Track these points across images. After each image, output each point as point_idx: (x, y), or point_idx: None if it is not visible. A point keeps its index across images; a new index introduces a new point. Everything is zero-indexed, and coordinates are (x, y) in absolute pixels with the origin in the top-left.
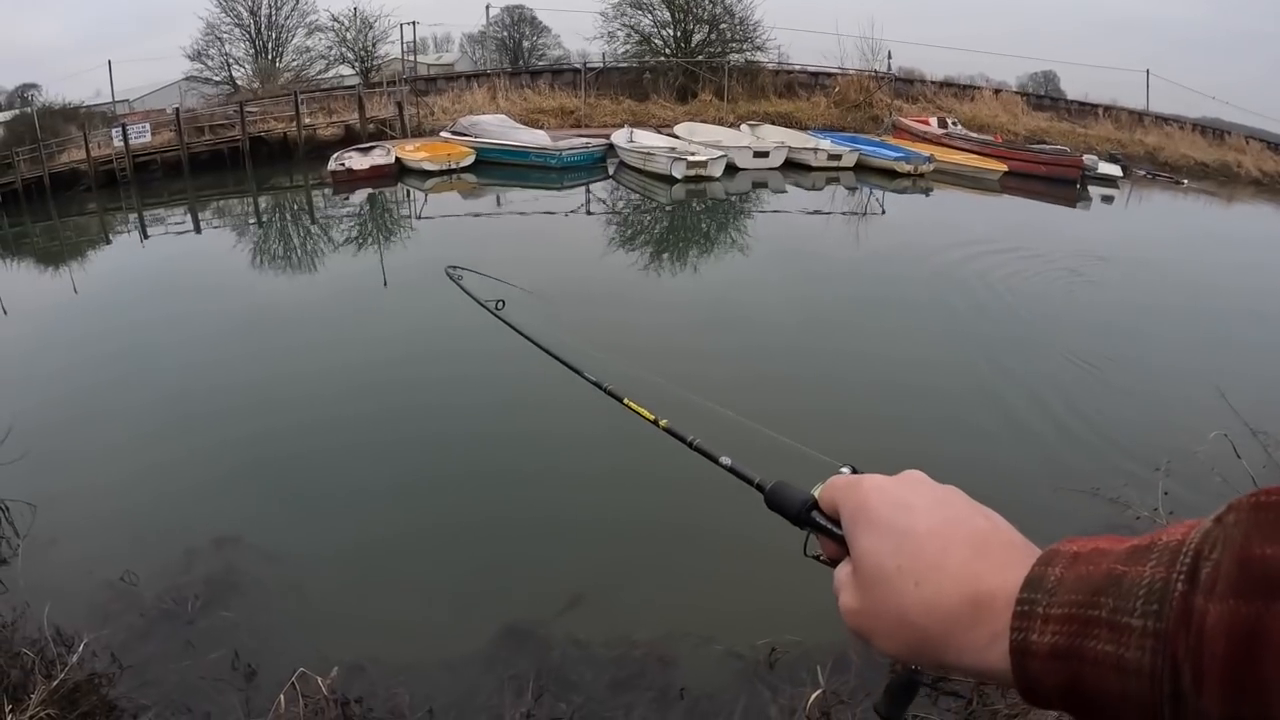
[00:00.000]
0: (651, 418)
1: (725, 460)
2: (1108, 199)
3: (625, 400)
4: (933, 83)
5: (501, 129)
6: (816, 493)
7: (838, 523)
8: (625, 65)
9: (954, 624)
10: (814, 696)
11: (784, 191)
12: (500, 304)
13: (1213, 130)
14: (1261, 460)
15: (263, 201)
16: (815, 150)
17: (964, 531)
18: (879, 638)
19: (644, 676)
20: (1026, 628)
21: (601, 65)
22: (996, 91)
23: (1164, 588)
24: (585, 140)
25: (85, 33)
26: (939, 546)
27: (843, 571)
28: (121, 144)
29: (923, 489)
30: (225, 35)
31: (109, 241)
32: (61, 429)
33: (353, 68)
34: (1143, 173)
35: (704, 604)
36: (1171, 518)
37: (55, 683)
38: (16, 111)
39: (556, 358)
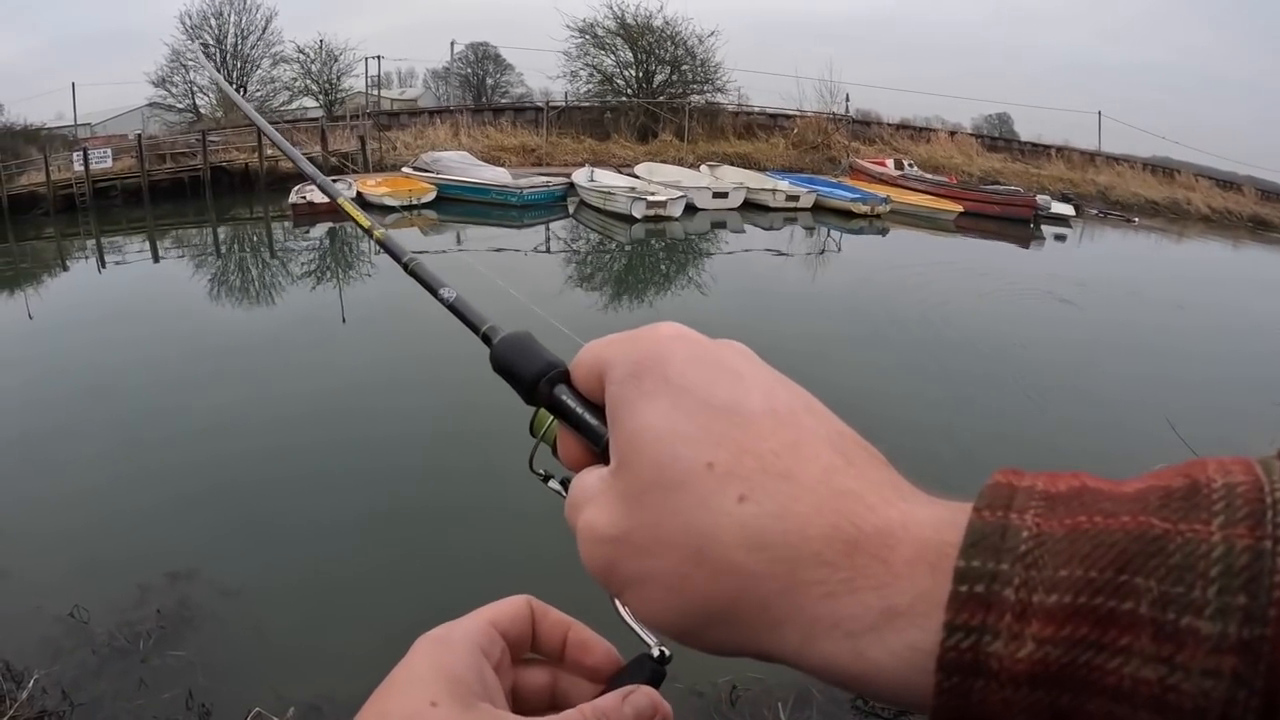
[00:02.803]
0: (367, 224)
1: (446, 293)
2: (1060, 238)
3: (339, 200)
4: (889, 124)
5: (463, 166)
6: (573, 361)
7: (597, 406)
8: (587, 104)
9: (807, 578)
10: None
11: (743, 231)
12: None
13: (1163, 169)
14: None
15: (222, 232)
16: (773, 191)
17: (822, 427)
18: (651, 587)
19: None
20: (983, 624)
21: (564, 104)
22: (952, 133)
23: (1254, 561)
24: (546, 179)
25: (48, 54)
26: (787, 440)
27: (591, 477)
28: (82, 169)
29: (752, 357)
30: (190, 63)
31: (66, 268)
32: (10, 457)
33: (317, 100)
34: (1095, 211)
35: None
36: None
37: (4, 719)
38: None
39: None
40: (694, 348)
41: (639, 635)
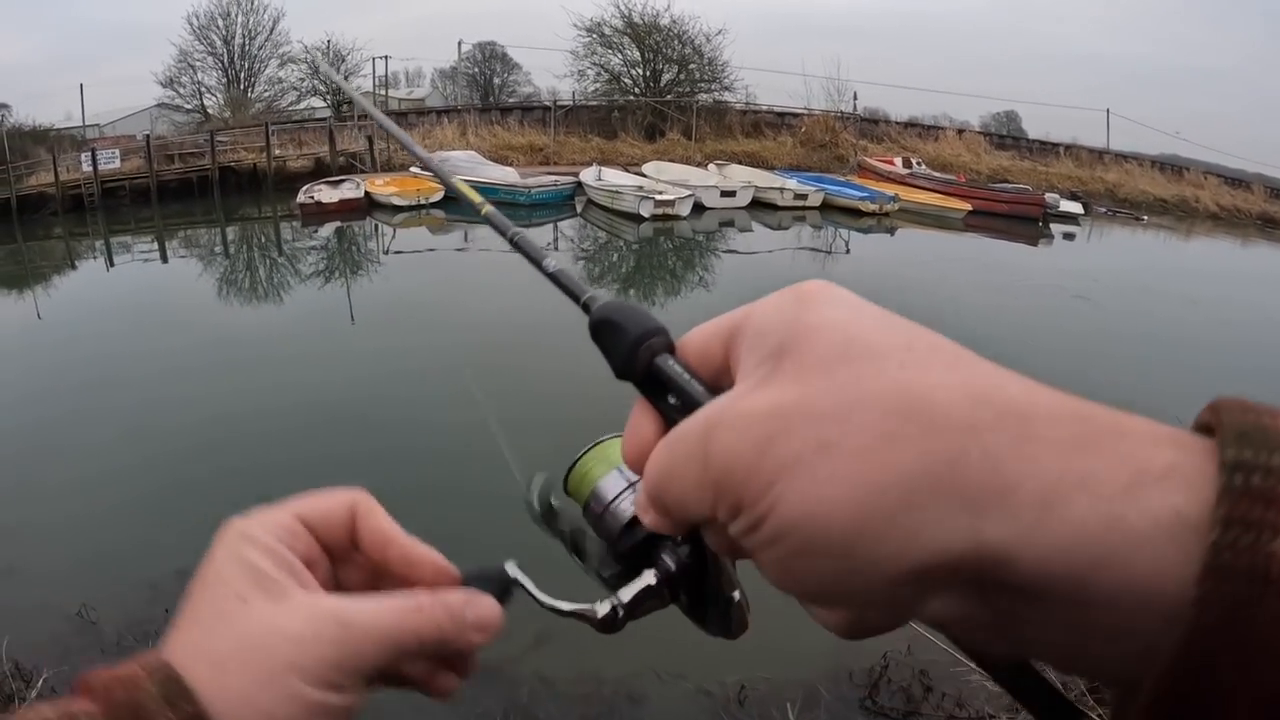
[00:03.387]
0: (477, 201)
1: (549, 263)
2: (1069, 236)
3: (454, 179)
4: (897, 123)
5: (471, 165)
6: (680, 339)
7: (707, 383)
8: (594, 104)
9: (1040, 433)
10: None
11: (750, 230)
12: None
13: (1171, 166)
14: None
15: (231, 232)
16: (781, 190)
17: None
18: (833, 457)
19: (613, 714)
20: (1262, 520)
21: (571, 103)
22: (960, 131)
23: None
24: (554, 178)
25: (57, 54)
26: (960, 349)
27: (719, 398)
28: (90, 169)
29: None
30: (198, 63)
31: (74, 267)
32: (19, 456)
33: (324, 100)
34: (1103, 210)
35: (674, 640)
36: None
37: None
38: None
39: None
40: (845, 290)
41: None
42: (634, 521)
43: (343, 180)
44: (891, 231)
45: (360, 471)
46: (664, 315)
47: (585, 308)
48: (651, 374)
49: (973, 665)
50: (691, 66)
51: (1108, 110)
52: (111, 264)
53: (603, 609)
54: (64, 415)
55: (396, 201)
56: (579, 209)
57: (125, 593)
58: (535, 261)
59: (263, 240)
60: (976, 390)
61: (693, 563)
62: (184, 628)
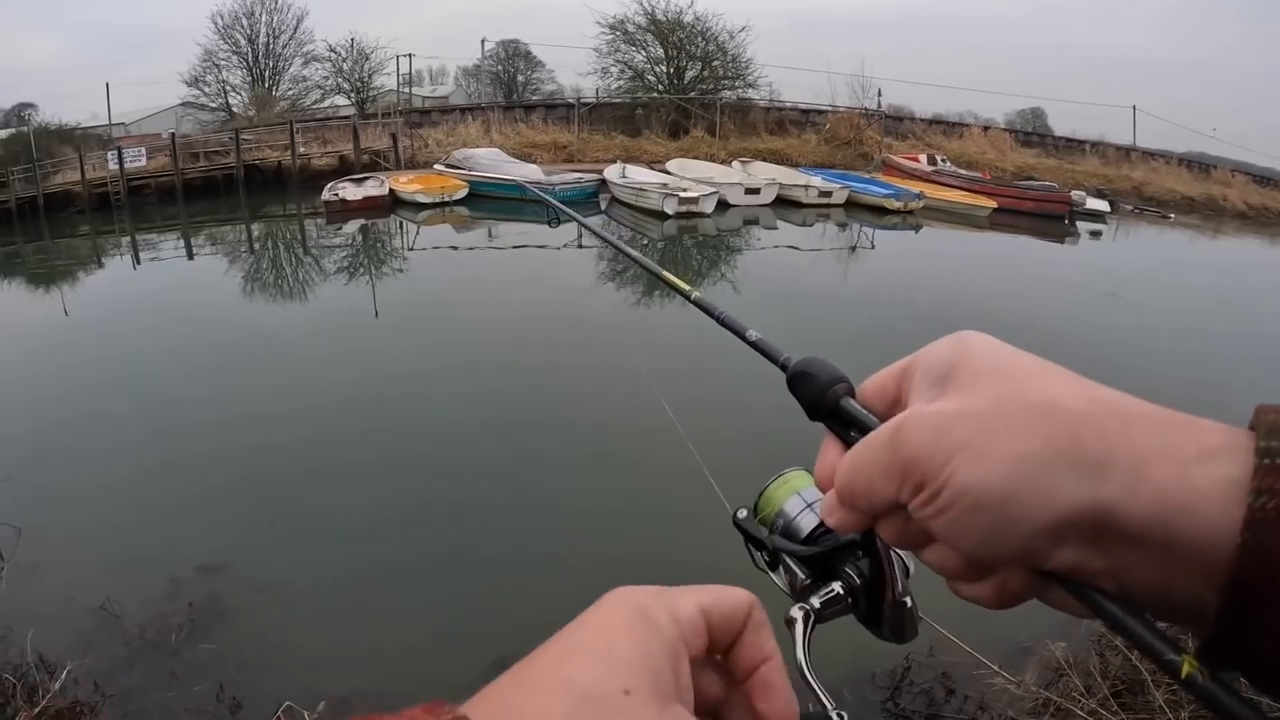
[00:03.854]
0: (686, 289)
1: (752, 334)
2: (1095, 234)
3: (663, 273)
4: (922, 120)
5: (494, 163)
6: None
7: (883, 417)
8: (618, 101)
9: (1135, 419)
10: None
11: (775, 228)
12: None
13: (1199, 164)
14: None
15: (256, 230)
16: (806, 187)
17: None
18: (993, 441)
19: None
20: None
21: (595, 100)
22: (985, 128)
23: None
24: (578, 175)
25: (83, 54)
26: (1075, 374)
27: (905, 410)
28: (116, 167)
29: None
30: (223, 63)
31: (101, 265)
32: (48, 452)
33: (348, 98)
34: (1130, 208)
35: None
36: None
37: (37, 709)
38: (13, 130)
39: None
40: (996, 340)
41: (818, 692)
42: (812, 535)
43: (367, 178)
44: (917, 229)
45: (387, 466)
46: (689, 311)
47: (783, 367)
48: (837, 413)
49: (996, 668)
50: (715, 63)
51: (1134, 107)
52: (138, 262)
53: (799, 613)
54: (89, 412)
55: (420, 199)
56: (603, 207)
57: (148, 588)
58: (739, 334)
59: (288, 238)
60: (1089, 393)
61: (872, 573)
62: (543, 689)
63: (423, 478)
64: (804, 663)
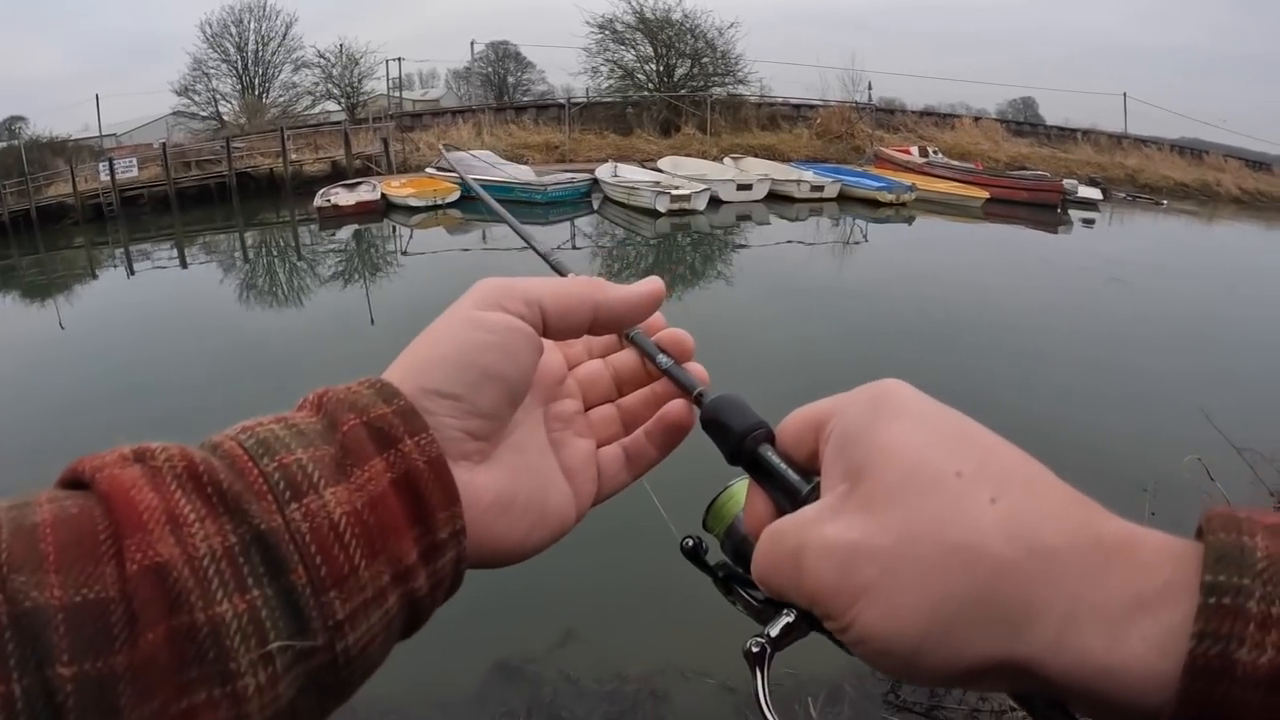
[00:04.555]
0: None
1: (663, 360)
2: (1089, 222)
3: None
4: (913, 112)
5: (487, 165)
6: (778, 426)
7: (802, 468)
8: (609, 100)
9: (1063, 563)
10: None
11: (768, 224)
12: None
13: (1191, 150)
14: (1248, 478)
15: (250, 237)
16: (798, 182)
17: (1035, 462)
18: (898, 584)
19: (636, 711)
20: (1230, 632)
21: (585, 100)
22: (976, 119)
23: None
24: (570, 175)
25: (73, 66)
26: (1019, 457)
27: (805, 510)
28: (109, 178)
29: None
30: (212, 71)
31: (96, 276)
32: (43, 467)
33: (339, 104)
34: (1123, 195)
35: (697, 638)
36: None
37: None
38: (4, 144)
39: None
40: (921, 394)
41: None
42: None
43: (359, 183)
44: (910, 221)
45: None
46: (684, 310)
47: (697, 401)
48: (756, 463)
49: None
50: (705, 60)
51: (1124, 94)
52: (132, 272)
53: (755, 649)
54: (85, 424)
55: (413, 202)
56: (595, 206)
57: None
58: (651, 357)
59: (281, 244)
60: (1012, 528)
61: None
62: (401, 357)
63: None
64: (764, 703)
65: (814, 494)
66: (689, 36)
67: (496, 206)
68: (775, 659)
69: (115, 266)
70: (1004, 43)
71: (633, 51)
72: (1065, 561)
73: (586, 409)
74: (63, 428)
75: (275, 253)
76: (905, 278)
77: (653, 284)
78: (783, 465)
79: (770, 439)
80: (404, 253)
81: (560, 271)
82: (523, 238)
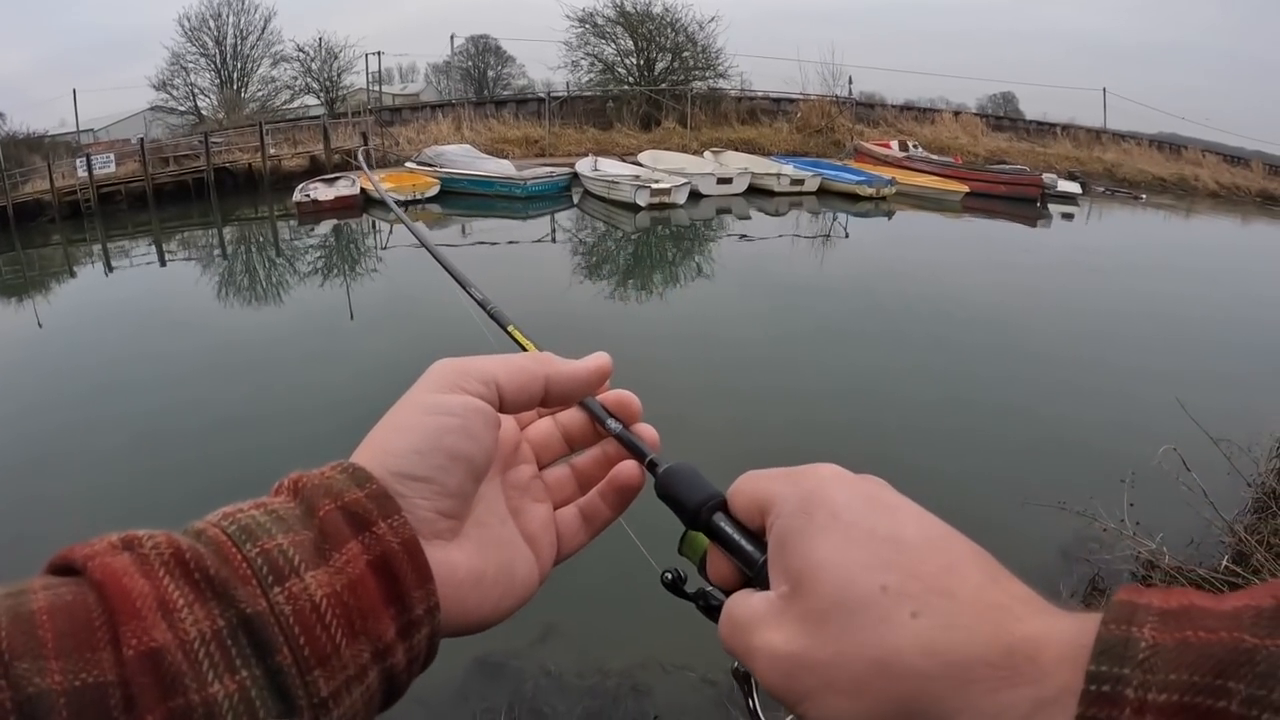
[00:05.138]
0: (534, 349)
1: (613, 425)
2: (1068, 216)
3: (509, 328)
4: (893, 106)
5: (466, 159)
6: (729, 490)
7: (753, 533)
8: (589, 94)
9: (974, 676)
10: None
11: (748, 217)
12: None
13: (1170, 145)
14: (1224, 467)
15: (228, 233)
16: (778, 176)
17: (966, 549)
18: (836, 696)
19: (617, 705)
20: (1106, 716)
21: (566, 94)
22: (956, 114)
23: None
24: (550, 169)
25: (49, 62)
26: (943, 564)
27: (756, 601)
28: (86, 174)
29: (894, 491)
30: (190, 65)
31: (73, 274)
32: (23, 466)
33: (318, 98)
34: (1102, 189)
35: (677, 631)
36: (1138, 528)
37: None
38: None
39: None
40: (853, 487)
41: None
42: None
43: (338, 178)
44: (889, 215)
45: None
46: (665, 305)
47: (650, 468)
48: (712, 531)
49: None
50: (685, 54)
51: (1104, 89)
52: (110, 269)
53: (743, 666)
54: (66, 422)
55: (392, 197)
56: (575, 200)
57: None
58: (600, 421)
59: (260, 240)
60: (929, 644)
61: None
62: (362, 443)
63: None
64: (755, 705)
65: (765, 569)
66: (670, 30)
67: (440, 257)
68: None
69: (93, 264)
70: (983, 40)
71: (613, 45)
72: (975, 677)
73: (540, 468)
74: (41, 425)
75: (254, 249)
76: (885, 271)
77: (600, 359)
78: (736, 537)
79: (723, 506)
80: (384, 248)
81: (499, 322)
82: (463, 285)
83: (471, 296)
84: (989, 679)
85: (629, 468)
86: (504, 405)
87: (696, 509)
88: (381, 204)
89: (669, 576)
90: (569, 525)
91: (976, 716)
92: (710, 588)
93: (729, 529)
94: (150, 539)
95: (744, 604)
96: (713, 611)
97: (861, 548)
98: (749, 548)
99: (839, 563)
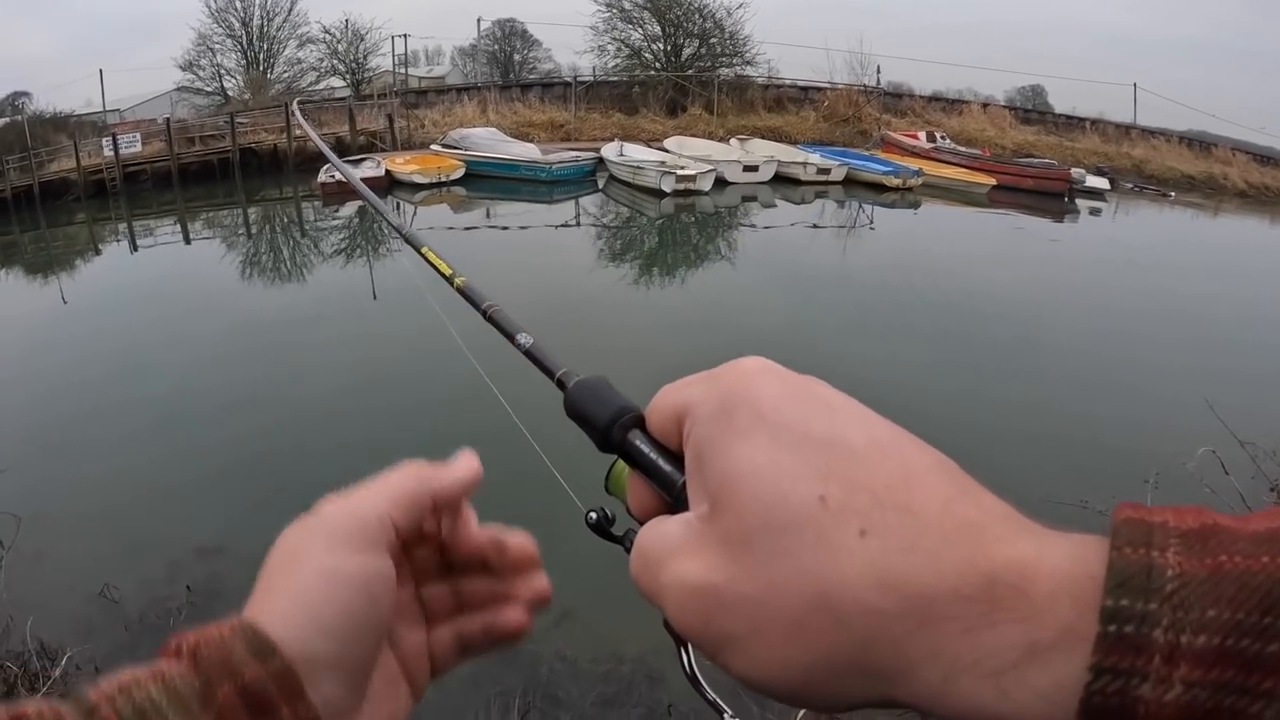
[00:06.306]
0: (448, 272)
1: (523, 339)
2: (1095, 212)
3: (423, 250)
4: (921, 97)
5: (492, 142)
6: (648, 406)
7: (673, 452)
8: (615, 79)
9: (944, 613)
10: (801, 713)
11: (773, 206)
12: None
13: (1199, 143)
14: (1250, 471)
15: (252, 213)
16: (804, 164)
17: (925, 456)
18: (762, 640)
19: (631, 693)
20: (1132, 667)
21: (591, 79)
22: (984, 105)
23: None
24: (575, 154)
25: (77, 42)
26: (897, 472)
27: (670, 525)
28: (112, 154)
29: (836, 390)
30: (217, 46)
31: (98, 252)
32: (46, 440)
33: (344, 80)
34: (1130, 186)
35: (741, 706)
36: None
37: (38, 696)
38: (7, 120)
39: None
40: (783, 381)
41: (709, 698)
42: None
43: (363, 159)
44: (915, 206)
45: (384, 447)
46: (686, 291)
47: (560, 384)
48: (627, 452)
49: None
50: (713, 41)
51: (1134, 85)
52: (135, 248)
53: None
54: (88, 400)
55: (418, 179)
56: (600, 185)
57: (146, 572)
58: (509, 336)
59: (285, 221)
60: (884, 573)
61: None
62: (259, 591)
63: (419, 457)
64: (689, 663)
65: (685, 492)
66: (697, 16)
67: (360, 186)
68: None
69: (118, 242)
70: (1010, 31)
71: (640, 30)
72: (945, 613)
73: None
74: (63, 401)
75: (278, 229)
76: (911, 264)
77: (472, 459)
78: (653, 455)
79: (640, 423)
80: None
81: (415, 245)
82: (379, 212)
83: (388, 221)
84: (963, 617)
85: (516, 617)
86: (400, 538)
87: (607, 427)
88: (406, 185)
89: (593, 517)
90: (443, 649)
91: (949, 666)
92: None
93: (645, 447)
94: (38, 717)
95: (654, 531)
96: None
97: (793, 452)
98: (667, 468)
99: (765, 467)
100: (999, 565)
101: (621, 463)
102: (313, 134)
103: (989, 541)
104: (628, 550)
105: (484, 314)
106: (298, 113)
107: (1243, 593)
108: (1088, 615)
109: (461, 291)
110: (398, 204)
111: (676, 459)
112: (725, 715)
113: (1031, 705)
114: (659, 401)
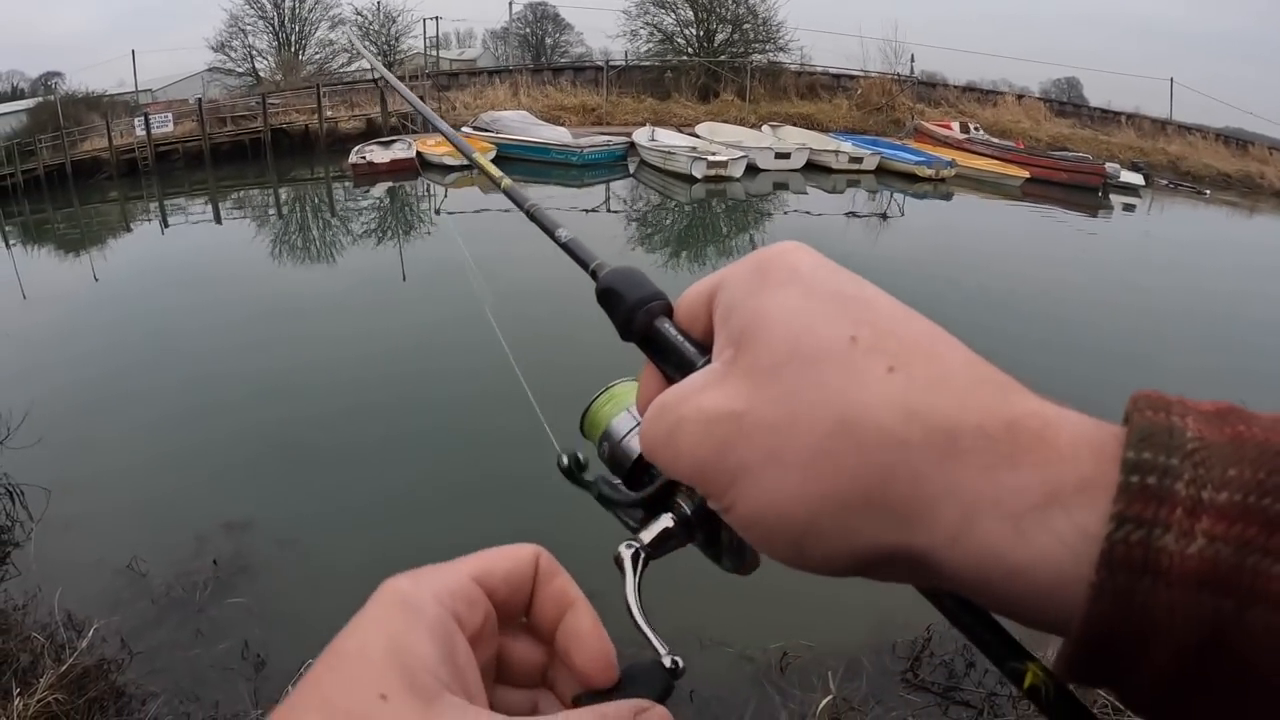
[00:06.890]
0: (496, 175)
1: (562, 233)
2: (1129, 208)
3: (474, 155)
4: (955, 87)
5: (523, 125)
6: (678, 300)
7: (699, 342)
8: (647, 64)
9: (966, 447)
10: (824, 702)
11: (805, 193)
12: None
13: (1236, 140)
14: None
15: (283, 193)
16: (837, 153)
17: (945, 332)
18: (780, 467)
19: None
20: (1155, 517)
21: (624, 63)
22: (1019, 97)
23: None
24: (606, 138)
25: (110, 22)
26: (924, 329)
27: (691, 378)
28: (144, 133)
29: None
30: (249, 27)
31: (129, 230)
32: (77, 415)
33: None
34: (1165, 182)
35: (716, 606)
36: None
37: (64, 667)
38: (40, 99)
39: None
40: (818, 255)
41: (650, 640)
42: (642, 458)
43: (394, 140)
44: (948, 197)
45: (412, 428)
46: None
47: (594, 275)
48: (650, 337)
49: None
50: (745, 26)
51: (1171, 79)
52: (166, 226)
53: (627, 552)
54: (118, 376)
55: (448, 161)
56: (631, 169)
57: (174, 546)
58: (549, 231)
59: (315, 201)
60: (910, 403)
61: (703, 501)
62: (303, 707)
63: (446, 439)
64: (634, 605)
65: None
66: (730, 1)
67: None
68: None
69: (149, 221)
70: (1045, 22)
71: (673, 15)
72: (968, 447)
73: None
74: (94, 377)
75: (309, 209)
76: (941, 255)
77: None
78: (680, 338)
79: (668, 312)
80: (438, 212)
81: (467, 154)
82: (440, 129)
83: (443, 132)
84: (985, 453)
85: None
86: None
87: (633, 308)
88: (437, 167)
89: (565, 461)
90: None
91: (969, 504)
92: (608, 475)
93: (670, 330)
94: None
95: (673, 388)
96: (606, 501)
97: (827, 300)
98: (691, 349)
99: (798, 308)
100: (1021, 414)
101: (600, 400)
102: (412, 98)
103: (1012, 395)
104: (595, 496)
105: (527, 212)
106: (392, 78)
107: (1264, 456)
108: (1109, 467)
109: (508, 193)
110: (428, 185)
111: (702, 348)
112: (662, 655)
113: (1050, 551)
114: (690, 290)
